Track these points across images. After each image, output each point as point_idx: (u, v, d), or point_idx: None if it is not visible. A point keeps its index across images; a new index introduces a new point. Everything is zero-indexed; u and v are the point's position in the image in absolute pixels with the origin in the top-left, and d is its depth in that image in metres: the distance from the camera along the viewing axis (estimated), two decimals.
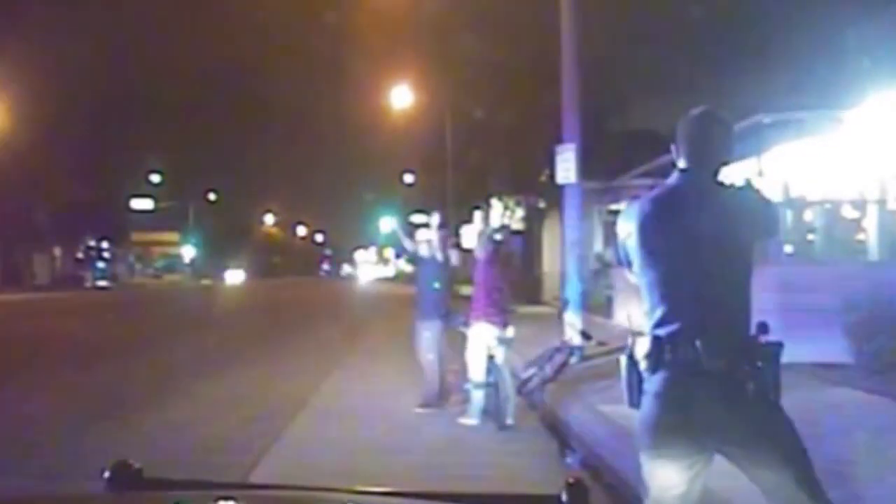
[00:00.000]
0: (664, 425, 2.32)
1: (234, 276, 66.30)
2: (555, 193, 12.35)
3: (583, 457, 5.23)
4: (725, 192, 2.46)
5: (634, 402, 2.41)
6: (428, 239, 7.59)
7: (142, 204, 56.80)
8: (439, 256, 7.36)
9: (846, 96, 9.63)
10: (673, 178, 2.52)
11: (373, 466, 5.23)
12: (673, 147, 2.53)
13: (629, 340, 2.44)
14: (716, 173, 2.46)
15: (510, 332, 6.59)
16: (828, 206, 10.88)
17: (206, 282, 56.59)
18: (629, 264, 2.52)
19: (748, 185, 2.57)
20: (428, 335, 7.12)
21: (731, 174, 2.56)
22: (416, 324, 7.28)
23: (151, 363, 10.51)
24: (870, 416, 5.70)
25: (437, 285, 7.28)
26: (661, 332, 2.34)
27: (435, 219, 7.55)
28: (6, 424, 6.46)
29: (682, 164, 2.51)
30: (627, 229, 2.48)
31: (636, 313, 2.62)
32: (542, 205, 22.90)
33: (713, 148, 2.48)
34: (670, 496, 2.32)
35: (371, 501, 1.66)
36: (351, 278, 64.67)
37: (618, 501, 4.19)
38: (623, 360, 2.45)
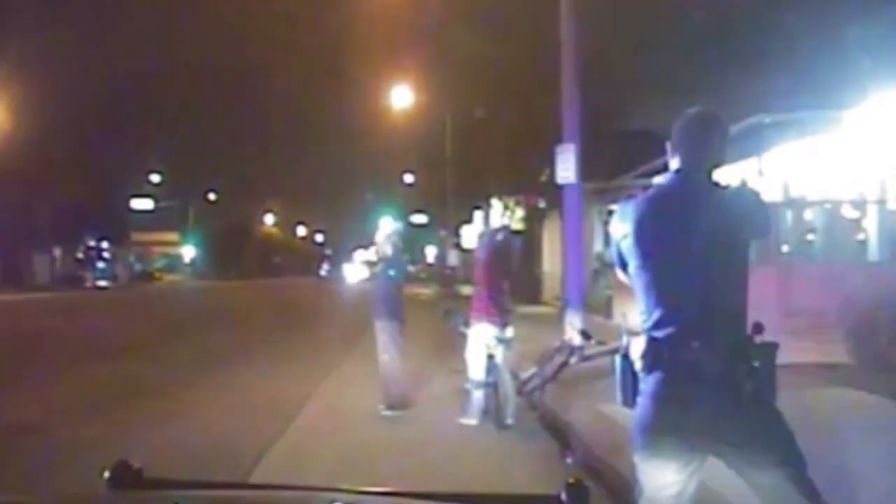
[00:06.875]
0: (659, 426, 2.32)
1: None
2: (555, 193, 12.34)
3: (583, 457, 5.24)
4: (720, 193, 2.45)
5: (628, 402, 2.42)
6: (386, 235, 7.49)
7: (142, 204, 56.94)
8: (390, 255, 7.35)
9: (846, 96, 9.62)
10: (667, 178, 2.52)
11: (372, 466, 5.24)
12: (667, 147, 2.53)
13: (624, 340, 2.44)
14: (710, 174, 2.46)
15: (510, 332, 6.59)
16: (828, 206, 10.87)
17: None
18: (623, 265, 2.52)
19: (743, 185, 2.57)
20: (383, 336, 7.15)
21: (728, 174, 2.56)
22: (374, 323, 7.30)
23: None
24: (870, 416, 5.70)
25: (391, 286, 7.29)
26: (659, 333, 2.34)
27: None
28: (6, 424, 6.47)
29: (676, 164, 2.51)
30: (623, 230, 2.47)
31: (632, 313, 2.62)
32: (542, 205, 22.89)
33: (708, 148, 2.47)
34: (664, 496, 2.32)
35: (371, 501, 1.66)
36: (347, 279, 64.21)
37: (617, 501, 4.19)
38: (618, 359, 2.45)
